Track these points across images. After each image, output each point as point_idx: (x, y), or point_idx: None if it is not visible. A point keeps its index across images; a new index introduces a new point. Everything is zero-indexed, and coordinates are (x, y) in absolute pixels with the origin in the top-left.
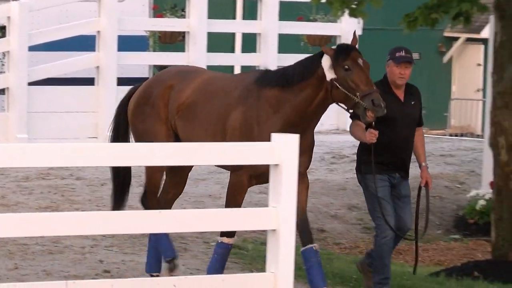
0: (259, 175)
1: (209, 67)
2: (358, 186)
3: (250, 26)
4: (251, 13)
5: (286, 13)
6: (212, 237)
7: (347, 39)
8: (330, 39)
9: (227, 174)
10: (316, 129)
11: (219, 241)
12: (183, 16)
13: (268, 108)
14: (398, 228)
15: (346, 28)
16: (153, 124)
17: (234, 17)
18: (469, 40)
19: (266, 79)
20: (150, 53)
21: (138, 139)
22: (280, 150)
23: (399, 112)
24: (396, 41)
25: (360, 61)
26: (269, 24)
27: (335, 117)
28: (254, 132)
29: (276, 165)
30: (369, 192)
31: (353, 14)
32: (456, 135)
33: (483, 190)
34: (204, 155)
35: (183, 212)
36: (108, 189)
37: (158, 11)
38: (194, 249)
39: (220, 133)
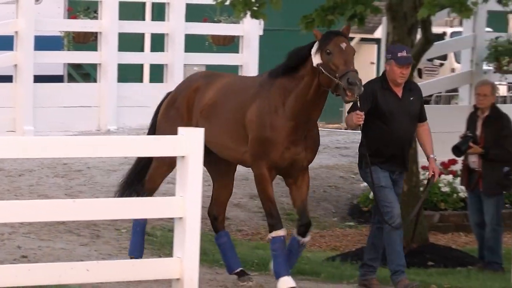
0: (276, 165)
1: (120, 65)
2: None
3: (158, 27)
4: (159, 14)
5: (192, 14)
6: (123, 224)
7: (249, 39)
8: (233, 39)
9: None
10: None
11: (271, 238)
12: (95, 18)
13: (278, 98)
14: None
15: (248, 28)
16: (174, 126)
17: (143, 18)
18: (363, 40)
19: (275, 71)
20: (65, 52)
21: None
22: (186, 143)
23: (397, 108)
24: (295, 41)
25: (342, 45)
26: (176, 25)
27: None
28: (267, 119)
29: (183, 156)
30: (375, 181)
31: (254, 15)
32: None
33: None
34: (114, 148)
35: (96, 201)
36: (26, 179)
37: (72, 13)
38: (106, 235)
39: (238, 129)
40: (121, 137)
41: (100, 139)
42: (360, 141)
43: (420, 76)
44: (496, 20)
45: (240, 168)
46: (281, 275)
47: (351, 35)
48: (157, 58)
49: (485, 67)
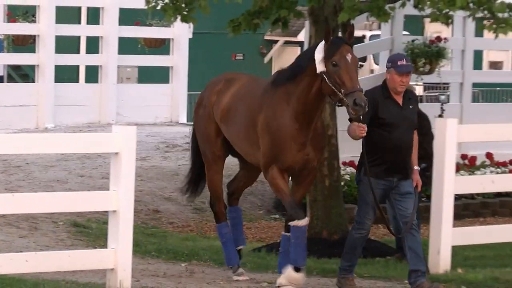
0: (287, 168)
1: (57, 66)
2: None
3: (93, 30)
4: (94, 18)
5: (125, 18)
6: (60, 217)
7: (179, 41)
8: (164, 41)
9: (73, 162)
10: (152, 121)
11: (292, 226)
12: (34, 21)
13: (282, 103)
14: (403, 223)
15: (178, 32)
16: (205, 125)
17: (79, 22)
18: (287, 42)
19: (279, 77)
20: (5, 54)
21: (199, 138)
22: (119, 140)
23: (398, 116)
24: (223, 43)
25: (348, 57)
26: (110, 28)
27: (169, 111)
28: (273, 125)
29: (116, 153)
30: (361, 192)
31: (184, 19)
32: None
33: None
34: (51, 145)
35: (34, 195)
36: None
37: (11, 17)
38: (44, 228)
39: (252, 136)
40: (58, 135)
41: (38, 136)
42: (362, 147)
43: None
44: (412, 24)
45: (170, 164)
46: (298, 263)
47: (275, 38)
48: (92, 59)
49: None
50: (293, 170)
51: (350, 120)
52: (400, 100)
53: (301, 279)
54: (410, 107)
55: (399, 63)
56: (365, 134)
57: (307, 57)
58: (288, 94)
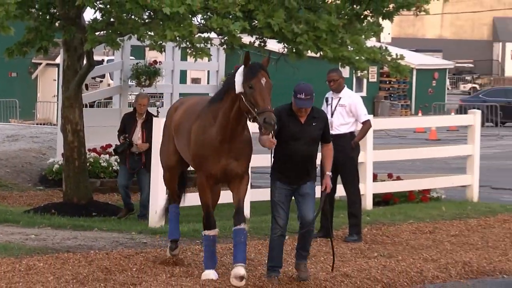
0: (212, 176)
1: None
2: None
3: None
4: None
5: None
6: None
7: None
8: None
9: None
10: None
11: (204, 235)
12: None
13: (211, 119)
14: (301, 220)
15: None
16: (166, 142)
17: None
18: (48, 64)
19: (213, 97)
20: None
21: (161, 151)
22: None
23: (299, 132)
24: (1, 65)
25: (263, 81)
26: None
27: None
28: (200, 137)
29: None
30: (271, 195)
31: None
32: (41, 124)
33: (57, 159)
34: None
35: None
36: None
37: None
38: None
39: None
40: None
41: None
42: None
43: (86, 89)
44: (137, 51)
45: None
46: (206, 267)
47: (40, 61)
48: None
49: (130, 83)
50: (215, 177)
51: (260, 129)
52: (303, 118)
53: (212, 276)
54: (313, 124)
55: (298, 96)
56: (274, 146)
57: (231, 80)
58: (216, 111)
